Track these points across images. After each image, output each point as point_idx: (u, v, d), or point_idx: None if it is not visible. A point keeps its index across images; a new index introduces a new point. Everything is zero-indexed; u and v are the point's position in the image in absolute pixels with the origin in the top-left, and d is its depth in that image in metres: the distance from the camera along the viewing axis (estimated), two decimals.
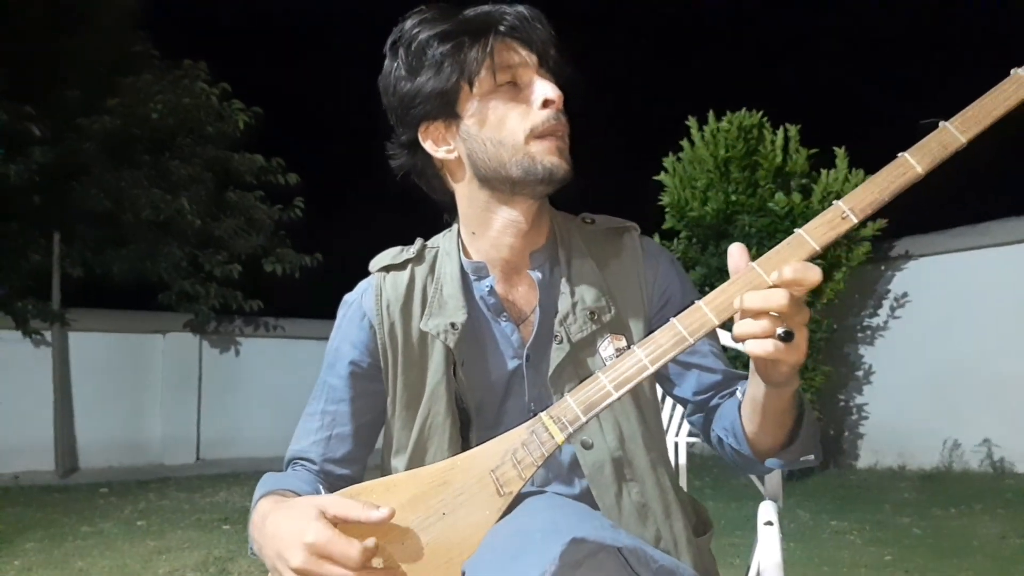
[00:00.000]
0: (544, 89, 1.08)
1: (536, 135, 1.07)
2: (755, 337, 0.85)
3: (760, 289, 0.86)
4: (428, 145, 1.14)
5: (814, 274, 0.84)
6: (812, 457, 1.08)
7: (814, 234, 0.87)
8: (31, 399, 6.75)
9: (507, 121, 1.08)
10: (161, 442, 7.50)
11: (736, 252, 0.90)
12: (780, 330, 0.84)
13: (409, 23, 1.11)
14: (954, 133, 0.86)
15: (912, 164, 0.87)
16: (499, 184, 1.11)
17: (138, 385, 7.47)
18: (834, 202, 0.88)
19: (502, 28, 1.08)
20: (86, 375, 7.12)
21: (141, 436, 7.42)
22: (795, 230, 0.88)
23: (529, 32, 1.09)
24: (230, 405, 7.85)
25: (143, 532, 4.45)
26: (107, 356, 7.32)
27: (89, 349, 7.16)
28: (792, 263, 0.85)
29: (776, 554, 1.29)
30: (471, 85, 1.08)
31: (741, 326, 0.86)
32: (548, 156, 1.08)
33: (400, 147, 1.18)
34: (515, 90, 1.09)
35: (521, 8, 1.09)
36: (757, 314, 0.85)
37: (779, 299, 0.83)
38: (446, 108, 1.09)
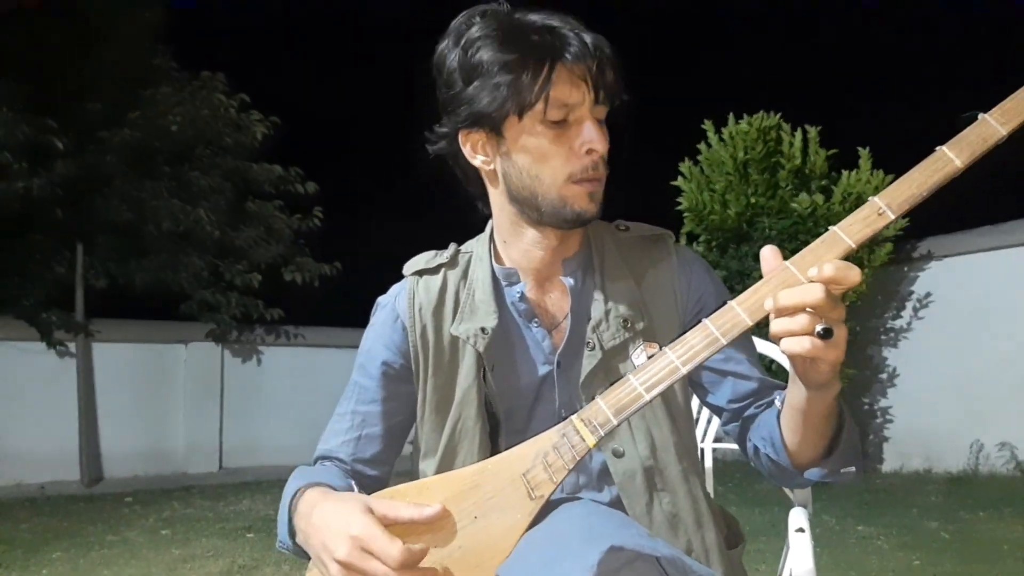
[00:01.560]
0: (592, 136, 1.05)
1: (574, 180, 1.06)
2: (793, 334, 0.83)
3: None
4: (466, 150, 1.13)
5: (855, 274, 0.82)
6: (853, 469, 1.04)
7: (849, 231, 0.85)
8: (56, 410, 6.82)
9: (549, 159, 1.06)
10: (184, 451, 7.55)
11: (769, 254, 0.88)
12: (819, 327, 0.81)
13: (475, 29, 1.07)
14: (994, 125, 0.83)
15: (951, 158, 0.84)
16: (528, 210, 1.11)
17: (161, 395, 7.52)
18: (870, 198, 0.85)
19: (566, 58, 1.04)
20: (110, 385, 7.18)
21: (164, 445, 7.47)
22: (830, 227, 0.86)
23: (590, 65, 1.04)
24: (252, 413, 7.89)
25: (168, 541, 4.48)
26: (130, 366, 7.39)
27: (113, 359, 7.22)
28: (833, 261, 0.83)
29: (808, 561, 1.27)
30: (520, 116, 1.05)
31: (778, 324, 0.84)
32: (580, 200, 1.08)
33: (439, 135, 1.15)
34: (564, 127, 1.06)
35: (586, 37, 1.05)
36: (793, 311, 0.83)
37: (816, 294, 0.81)
38: (492, 125, 1.07)
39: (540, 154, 1.06)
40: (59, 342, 6.77)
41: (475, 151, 1.12)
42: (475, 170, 1.16)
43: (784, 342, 0.84)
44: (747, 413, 1.16)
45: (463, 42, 1.07)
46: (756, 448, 1.11)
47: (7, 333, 6.69)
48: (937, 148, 0.85)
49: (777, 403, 1.06)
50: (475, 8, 1.10)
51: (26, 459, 6.63)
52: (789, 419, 1.00)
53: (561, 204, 1.08)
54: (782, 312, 0.84)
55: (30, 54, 6.62)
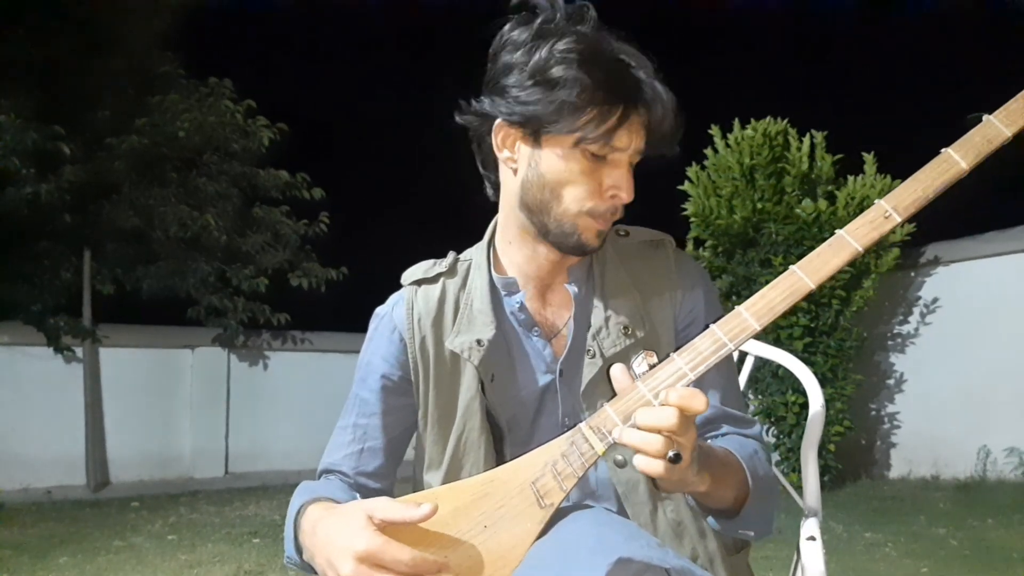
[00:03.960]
0: (623, 184, 1.06)
1: (590, 215, 1.07)
2: (647, 455, 0.86)
3: (655, 406, 0.88)
4: (496, 139, 1.10)
5: (699, 401, 0.85)
6: (752, 534, 1.08)
7: (856, 235, 0.85)
8: (63, 415, 6.83)
9: (574, 185, 1.06)
10: (191, 456, 7.56)
11: (619, 374, 0.93)
12: (671, 452, 0.85)
13: (561, 45, 1.03)
14: (999, 127, 0.84)
15: (956, 160, 0.84)
16: (536, 221, 1.10)
17: (168, 400, 7.53)
18: (876, 201, 0.86)
19: (638, 105, 1.04)
20: (117, 390, 7.19)
21: (171, 450, 7.47)
22: (836, 231, 0.86)
23: (654, 117, 1.05)
24: (258, 418, 7.89)
25: (174, 546, 4.48)
26: (137, 371, 7.39)
27: (120, 365, 7.23)
28: (678, 389, 0.86)
29: (820, 572, 1.27)
30: (562, 136, 1.05)
31: (634, 437, 0.88)
32: (588, 233, 1.08)
33: (474, 111, 1.11)
34: (600, 162, 1.05)
35: (659, 87, 1.05)
36: (649, 431, 0.86)
37: (670, 419, 0.84)
38: (534, 131, 1.06)
39: (567, 178, 1.06)
40: (66, 347, 6.79)
41: (503, 145, 1.10)
42: (495, 158, 1.14)
43: (637, 459, 0.87)
44: None
45: (547, 47, 1.04)
46: None
47: (15, 338, 6.71)
48: (942, 150, 0.86)
49: (719, 441, 1.10)
50: (569, 18, 1.06)
51: (33, 464, 6.64)
52: None
53: (570, 231, 1.08)
54: (641, 429, 0.87)
55: (38, 61, 6.66)
